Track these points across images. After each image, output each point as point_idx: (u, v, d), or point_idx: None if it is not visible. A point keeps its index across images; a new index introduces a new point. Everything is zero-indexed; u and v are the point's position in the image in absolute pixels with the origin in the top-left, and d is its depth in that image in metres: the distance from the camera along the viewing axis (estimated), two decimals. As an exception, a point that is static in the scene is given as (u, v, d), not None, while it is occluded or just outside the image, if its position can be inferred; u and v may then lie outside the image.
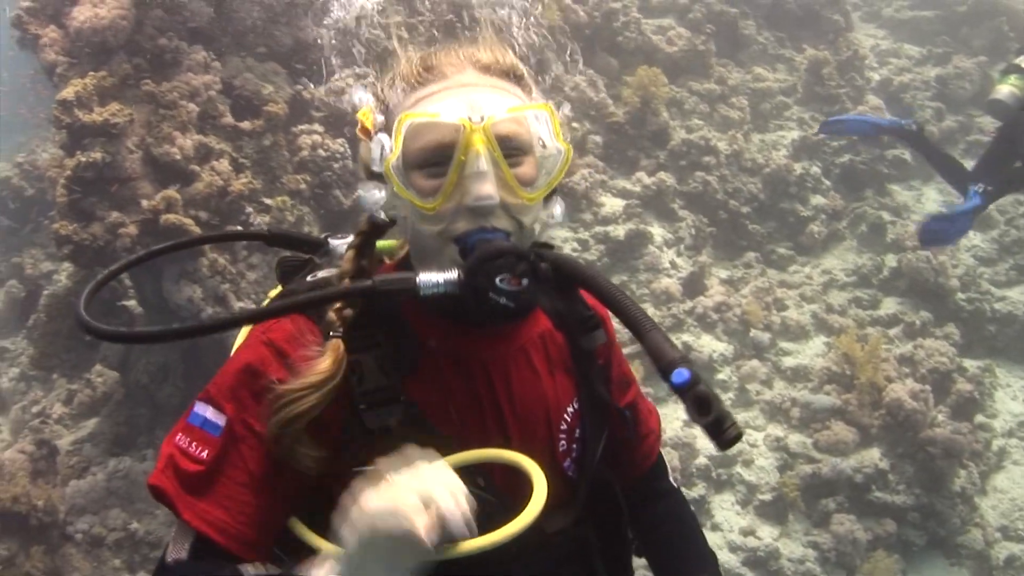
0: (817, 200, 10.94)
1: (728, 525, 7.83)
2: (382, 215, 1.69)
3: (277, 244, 1.99)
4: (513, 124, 1.58)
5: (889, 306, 9.98)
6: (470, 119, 1.52)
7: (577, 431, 1.79)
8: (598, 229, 9.90)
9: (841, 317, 9.73)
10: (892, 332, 9.60)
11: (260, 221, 7.47)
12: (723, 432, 1.40)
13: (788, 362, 9.20)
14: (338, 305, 1.58)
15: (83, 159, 6.83)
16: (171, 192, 6.98)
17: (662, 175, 10.47)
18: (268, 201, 7.63)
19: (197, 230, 6.90)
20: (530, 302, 1.60)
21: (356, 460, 1.52)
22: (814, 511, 7.91)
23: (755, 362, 9.01)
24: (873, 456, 8.14)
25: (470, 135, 1.52)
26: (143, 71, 7.53)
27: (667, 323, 9.15)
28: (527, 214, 1.59)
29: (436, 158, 1.55)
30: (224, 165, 7.42)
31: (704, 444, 8.19)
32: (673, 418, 8.35)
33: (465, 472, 1.50)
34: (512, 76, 1.70)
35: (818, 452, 8.22)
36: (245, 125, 7.80)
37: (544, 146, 1.64)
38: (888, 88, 12.38)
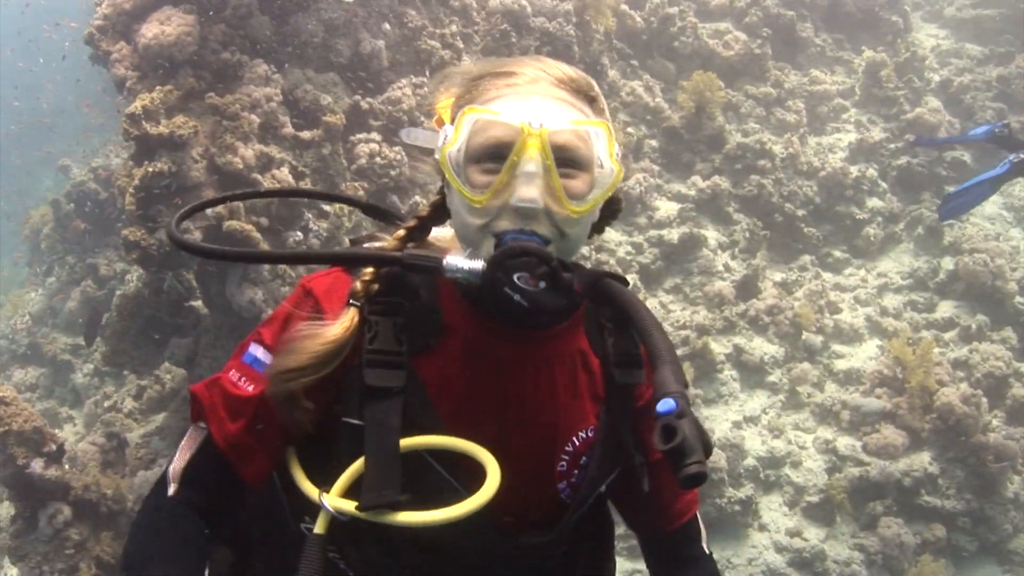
0: (874, 203, 10.97)
1: (775, 526, 8.01)
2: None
3: (373, 215, 2.08)
4: (572, 137, 1.60)
5: (945, 309, 9.98)
6: (530, 123, 1.55)
7: (583, 458, 1.76)
8: (652, 233, 10.12)
9: (896, 320, 9.78)
10: (947, 336, 9.62)
11: (319, 227, 7.88)
12: (682, 467, 1.40)
13: (840, 365, 9.31)
14: (367, 277, 1.68)
15: (150, 169, 7.28)
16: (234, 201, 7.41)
17: (717, 179, 10.63)
18: (327, 208, 8.04)
19: (258, 236, 7.30)
20: (546, 306, 1.58)
21: (346, 413, 1.64)
22: (861, 514, 8.04)
23: (806, 365, 9.14)
24: (923, 460, 8.23)
25: (527, 138, 1.55)
26: (207, 84, 7.99)
27: (719, 325, 9.35)
28: (572, 226, 1.60)
29: (493, 155, 1.58)
30: (284, 173, 7.83)
31: (752, 445, 8.39)
32: (722, 419, 8.58)
33: (429, 455, 1.60)
34: (584, 95, 1.68)
35: (867, 455, 8.33)
36: (305, 135, 8.20)
37: (602, 166, 1.64)
38: (948, 89, 12.30)
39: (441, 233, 1.85)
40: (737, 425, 8.57)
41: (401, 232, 1.78)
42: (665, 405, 1.44)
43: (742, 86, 11.97)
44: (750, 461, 8.29)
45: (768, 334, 9.45)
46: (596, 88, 1.71)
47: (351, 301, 1.65)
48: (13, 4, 21.14)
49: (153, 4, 7.96)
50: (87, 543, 6.54)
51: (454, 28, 9.73)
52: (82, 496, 6.63)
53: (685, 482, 1.40)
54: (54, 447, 6.55)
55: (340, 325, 1.61)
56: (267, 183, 7.63)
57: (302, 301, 1.71)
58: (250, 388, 1.63)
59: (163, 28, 7.59)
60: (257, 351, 1.68)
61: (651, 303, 9.61)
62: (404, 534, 1.58)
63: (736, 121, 11.58)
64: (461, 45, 9.64)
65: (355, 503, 1.56)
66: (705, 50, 12.05)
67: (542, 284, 1.51)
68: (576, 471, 1.77)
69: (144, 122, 7.18)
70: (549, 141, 1.55)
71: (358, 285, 1.66)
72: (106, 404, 9.51)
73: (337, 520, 1.59)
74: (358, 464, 1.59)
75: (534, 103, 1.59)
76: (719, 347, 9.17)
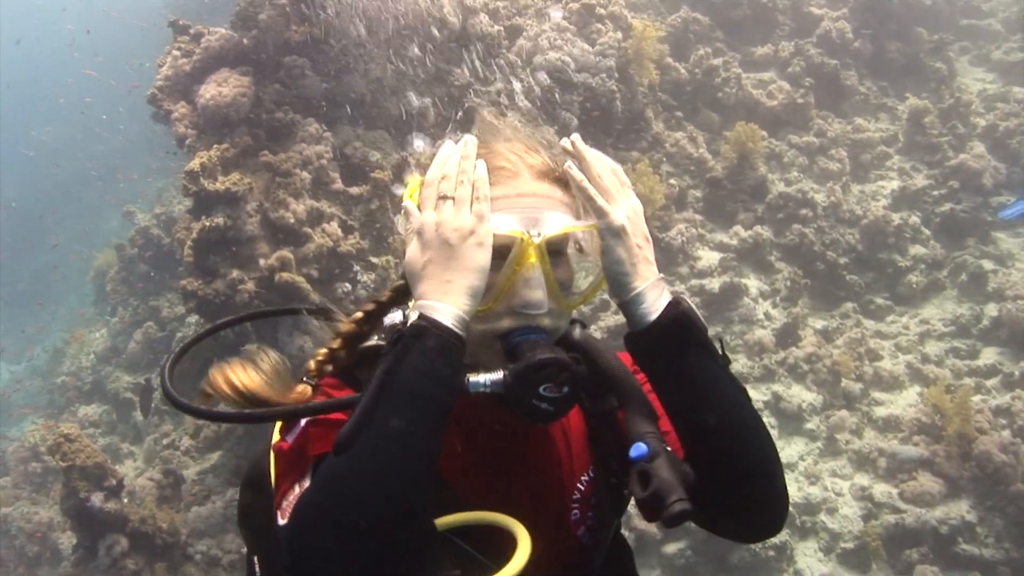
0: (916, 250, 11.03)
1: (810, 572, 8.07)
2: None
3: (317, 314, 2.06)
4: (563, 236, 1.67)
5: (988, 356, 9.96)
6: (527, 231, 1.59)
7: (592, 499, 1.79)
8: (694, 282, 10.31)
9: (937, 367, 9.80)
10: (989, 383, 9.60)
11: (367, 279, 8.24)
12: (665, 509, 1.46)
13: (880, 412, 9.36)
14: (321, 357, 1.77)
15: (207, 223, 7.73)
16: (285, 252, 7.83)
17: (759, 228, 10.80)
18: (374, 260, 8.41)
19: (308, 287, 7.69)
20: (570, 407, 1.58)
21: None
22: (897, 561, 8.07)
23: (844, 412, 9.22)
24: (960, 508, 8.24)
25: (526, 248, 1.58)
26: (262, 142, 8.45)
27: (757, 373, 9.48)
28: (565, 317, 1.68)
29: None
30: (334, 227, 8.23)
31: (788, 491, 8.46)
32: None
33: (457, 532, 1.58)
34: (561, 181, 1.72)
35: (903, 502, 8.36)
36: (354, 190, 8.61)
37: (581, 250, 1.74)
38: (994, 134, 12.33)
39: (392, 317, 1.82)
40: (774, 471, 8.66)
41: (359, 315, 1.82)
42: (637, 450, 1.53)
43: (785, 135, 12.16)
44: (786, 507, 8.37)
45: (807, 382, 9.55)
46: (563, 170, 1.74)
47: (304, 379, 1.72)
48: (88, 50, 22.14)
49: (211, 66, 8.48)
50: (142, 573, 6.90)
51: (499, 85, 10.10)
52: (139, 528, 7.02)
53: (670, 522, 1.50)
54: (114, 482, 6.96)
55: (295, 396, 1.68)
56: (317, 236, 8.03)
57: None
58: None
59: (220, 89, 8.07)
60: (288, 437, 1.66)
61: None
62: None
63: (779, 170, 11.76)
64: (506, 102, 10.00)
65: None
66: (749, 100, 12.28)
67: (566, 389, 1.53)
68: (590, 513, 1.80)
69: (202, 178, 7.63)
70: (546, 248, 1.60)
71: (311, 364, 1.74)
72: (164, 442, 9.94)
73: None
74: None
75: (527, 207, 1.64)
76: (757, 394, 9.29)
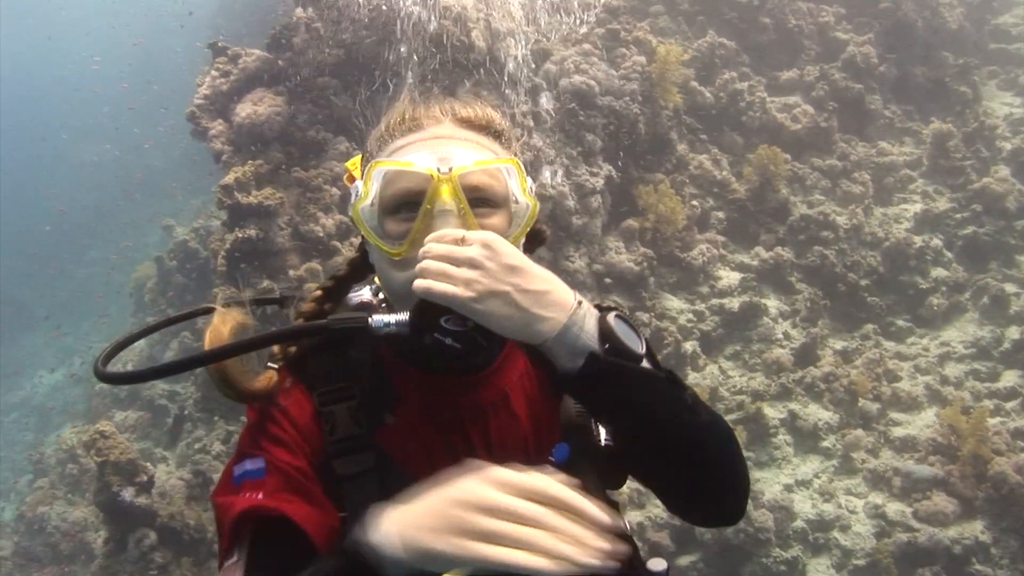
0: (938, 272, 11.11)
1: (822, 588, 8.20)
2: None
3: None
4: (484, 176, 1.59)
5: (1009, 379, 9.99)
6: (438, 169, 1.54)
7: (572, 469, 1.60)
8: (714, 301, 10.49)
9: (956, 389, 9.86)
10: (1009, 405, 9.64)
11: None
12: None
13: (897, 432, 9.44)
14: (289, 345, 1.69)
15: (240, 235, 8.06)
16: (314, 264, 8.13)
17: (780, 249, 10.96)
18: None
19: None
20: (478, 343, 1.54)
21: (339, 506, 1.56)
22: (909, 578, 8.16)
23: (860, 431, 9.32)
24: (975, 528, 8.31)
25: (438, 184, 1.53)
26: (294, 159, 8.80)
27: (774, 391, 9.63)
28: None
29: (406, 205, 1.57)
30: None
31: (802, 507, 8.61)
32: (773, 482, 8.82)
33: None
34: (490, 131, 1.70)
35: (917, 521, 8.45)
36: (382, 207, 8.90)
37: (516, 201, 1.64)
38: (1019, 158, 12.37)
39: (361, 294, 1.83)
40: (788, 488, 8.80)
41: (318, 293, 1.78)
42: (560, 452, 1.55)
43: (809, 158, 12.31)
44: (799, 523, 8.50)
45: (823, 400, 9.67)
46: (501, 122, 1.74)
47: (268, 364, 1.66)
48: (127, 67, 22.77)
49: (247, 86, 8.85)
50: (169, 566, 7.20)
51: (525, 108, 10.38)
52: (167, 524, 7.32)
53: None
54: (145, 478, 7.29)
55: (257, 383, 1.61)
56: (345, 249, 8.33)
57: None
58: (259, 496, 1.51)
59: (256, 108, 8.43)
60: (241, 467, 1.57)
61: (711, 369, 9.96)
62: None
63: (802, 193, 11.91)
64: (531, 123, 10.27)
65: None
66: (773, 123, 12.46)
67: (470, 322, 1.48)
68: None
69: (236, 192, 7.97)
70: (460, 183, 1.55)
71: (276, 348, 1.67)
72: (196, 446, 10.24)
73: None
74: None
75: (440, 147, 1.60)
76: (774, 412, 9.44)
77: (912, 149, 12.85)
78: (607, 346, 1.50)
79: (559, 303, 1.48)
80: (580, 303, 1.52)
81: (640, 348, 1.55)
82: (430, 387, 1.68)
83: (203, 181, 15.67)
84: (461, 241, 1.47)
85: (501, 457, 1.57)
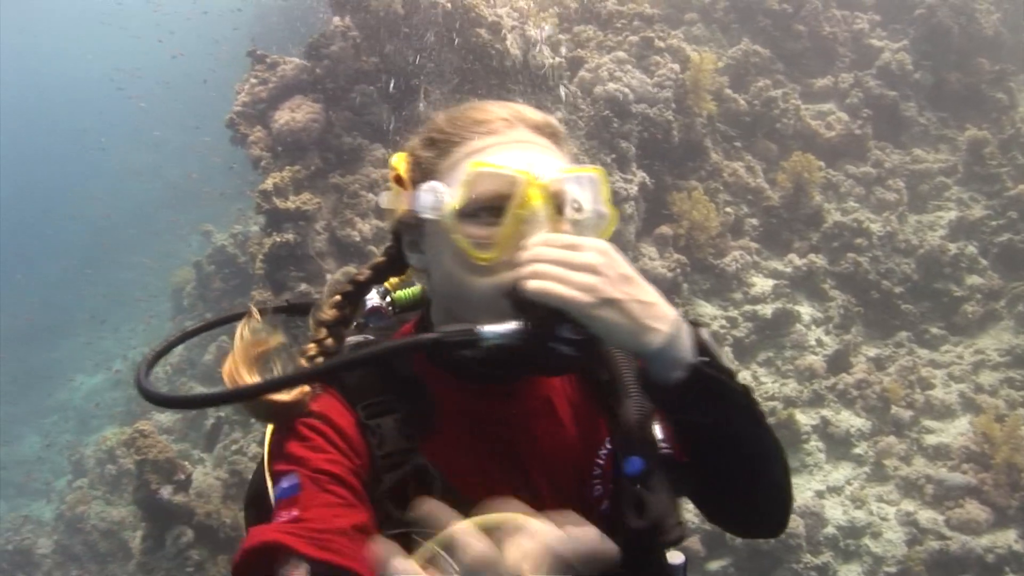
0: (973, 280, 11.04)
1: (853, 594, 8.18)
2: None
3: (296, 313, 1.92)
4: (563, 184, 1.56)
5: (1044, 387, 9.96)
6: (532, 173, 1.50)
7: (612, 471, 1.69)
8: (747, 308, 10.50)
9: (991, 397, 9.80)
10: (1044, 414, 9.60)
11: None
12: (661, 535, 1.45)
13: (930, 440, 9.40)
14: (322, 335, 1.62)
15: (278, 239, 8.22)
16: (350, 268, 8.26)
17: (813, 256, 10.95)
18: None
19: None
20: (593, 351, 1.50)
21: (385, 528, 1.47)
22: (941, 587, 8.13)
23: (892, 438, 9.29)
24: (1008, 537, 8.26)
25: (530, 188, 1.49)
26: (331, 165, 8.95)
27: (806, 397, 9.62)
28: None
29: (487, 210, 1.51)
30: (397, 246, 8.70)
31: (833, 514, 8.60)
32: (804, 488, 8.82)
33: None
34: (556, 137, 1.65)
35: (949, 529, 8.41)
36: (416, 212, 9.04)
37: (579, 209, 1.61)
38: (1057, 165, 12.31)
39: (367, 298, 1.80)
40: (819, 494, 8.80)
41: (338, 298, 1.72)
42: (631, 466, 1.49)
43: (843, 165, 12.30)
44: (830, 530, 8.49)
45: (856, 407, 9.65)
46: (561, 129, 1.70)
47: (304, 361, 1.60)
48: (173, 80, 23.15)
49: (286, 93, 9.01)
50: (205, 564, 7.34)
51: (559, 115, 10.47)
52: (204, 522, 7.47)
53: (669, 547, 1.57)
54: (183, 476, 7.45)
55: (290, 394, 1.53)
56: (380, 254, 8.46)
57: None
58: (295, 512, 1.42)
59: (293, 115, 8.59)
60: (280, 486, 1.47)
61: (743, 375, 9.96)
62: None
63: (836, 200, 11.90)
64: (566, 131, 10.35)
65: None
66: (807, 131, 12.46)
67: (589, 330, 1.43)
68: (610, 486, 1.70)
69: (274, 198, 8.12)
70: (551, 190, 1.52)
71: (303, 361, 1.60)
72: (233, 448, 10.42)
73: None
74: None
75: (523, 152, 1.56)
76: (806, 418, 9.44)
77: (947, 156, 12.79)
78: (706, 360, 1.48)
79: (665, 316, 1.45)
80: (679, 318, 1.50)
81: (732, 363, 1.60)
82: (471, 395, 1.63)
83: (242, 187, 15.94)
84: (573, 247, 1.44)
85: (550, 465, 1.64)
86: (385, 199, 1.65)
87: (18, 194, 36.45)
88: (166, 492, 7.23)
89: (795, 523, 8.24)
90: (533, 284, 1.40)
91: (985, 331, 10.78)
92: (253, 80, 9.76)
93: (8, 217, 34.77)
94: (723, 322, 10.32)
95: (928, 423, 9.63)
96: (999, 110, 13.10)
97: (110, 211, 28.28)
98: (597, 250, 1.43)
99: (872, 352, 10.35)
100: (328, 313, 1.68)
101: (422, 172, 1.59)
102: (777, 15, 13.79)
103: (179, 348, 12.55)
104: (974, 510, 8.44)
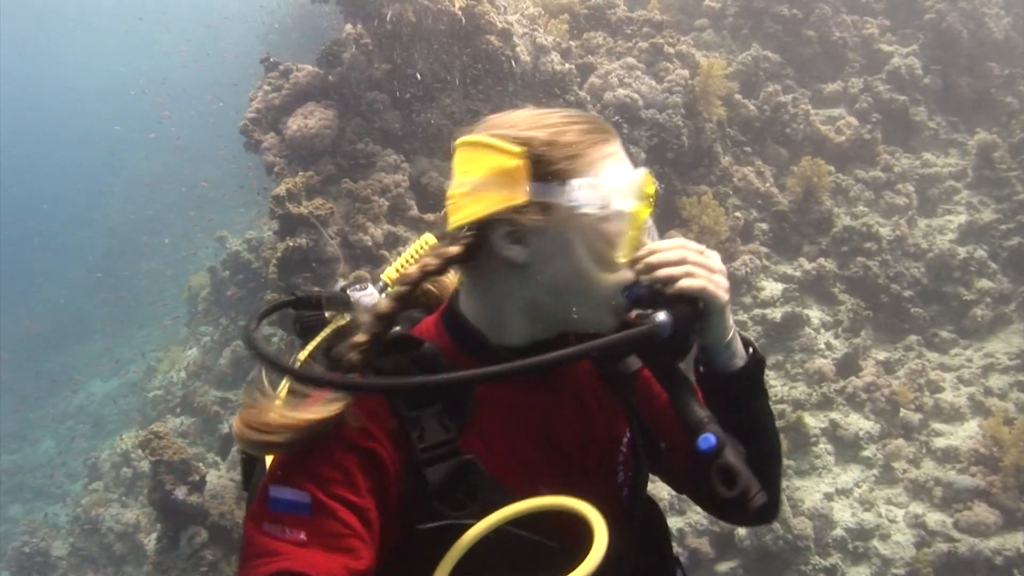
0: (983, 283, 11.06)
1: (861, 596, 8.22)
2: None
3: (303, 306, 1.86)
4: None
5: (1055, 391, 9.97)
6: (654, 185, 1.63)
7: (632, 459, 1.79)
8: (756, 311, 10.55)
9: (1000, 400, 9.83)
10: (1054, 417, 9.61)
11: (439, 300, 8.77)
12: (748, 502, 1.50)
13: (939, 443, 9.42)
14: (359, 354, 1.53)
15: (291, 243, 8.33)
16: (362, 272, 8.36)
17: (822, 260, 11.00)
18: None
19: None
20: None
21: (420, 520, 1.49)
22: (949, 589, 8.16)
23: (901, 441, 9.33)
24: (1016, 540, 8.27)
25: (654, 197, 1.62)
26: (343, 171, 9.06)
27: (815, 400, 9.67)
28: None
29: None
30: (410, 252, 8.81)
31: (842, 516, 8.63)
32: (813, 490, 8.86)
33: (523, 521, 1.46)
34: None
35: (957, 532, 8.44)
36: (429, 217, 9.14)
37: None
38: (1066, 169, 12.32)
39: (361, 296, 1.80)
40: (828, 497, 8.83)
41: (403, 288, 1.63)
42: (706, 442, 1.53)
43: (852, 170, 12.34)
44: (838, 532, 8.53)
45: (865, 410, 9.68)
46: None
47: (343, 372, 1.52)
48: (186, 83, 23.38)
49: (299, 100, 9.13)
50: (219, 564, 7.43)
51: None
52: (218, 522, 7.57)
53: (758, 518, 1.71)
54: (197, 477, 7.55)
55: (332, 406, 1.47)
56: (392, 258, 8.58)
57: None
58: (301, 536, 1.41)
59: (306, 121, 8.71)
60: (284, 493, 1.45)
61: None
62: None
63: (845, 204, 11.95)
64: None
65: None
66: (817, 136, 12.52)
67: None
68: (630, 473, 1.79)
69: (287, 203, 8.23)
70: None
71: (354, 356, 1.52)
72: (247, 450, 10.53)
73: None
74: (448, 565, 1.44)
75: (622, 158, 1.63)
76: (815, 421, 9.48)
77: (957, 160, 12.82)
78: (751, 350, 1.69)
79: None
80: None
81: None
82: (507, 386, 1.64)
83: (256, 193, 16.09)
84: (703, 253, 1.60)
85: (581, 452, 1.71)
86: (486, 183, 1.57)
87: (35, 201, 36.78)
88: (181, 493, 7.34)
89: (803, 525, 8.29)
90: (689, 282, 1.54)
91: (995, 334, 10.79)
92: (267, 87, 9.89)
93: (26, 224, 35.10)
94: (733, 326, 10.36)
95: (937, 426, 9.65)
96: (1009, 114, 13.12)
97: (126, 218, 28.51)
98: (718, 257, 1.61)
99: (881, 356, 10.39)
100: (388, 305, 1.60)
101: (545, 167, 1.55)
102: (787, 21, 13.86)
103: (195, 354, 12.68)
104: (982, 512, 8.47)
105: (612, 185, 1.55)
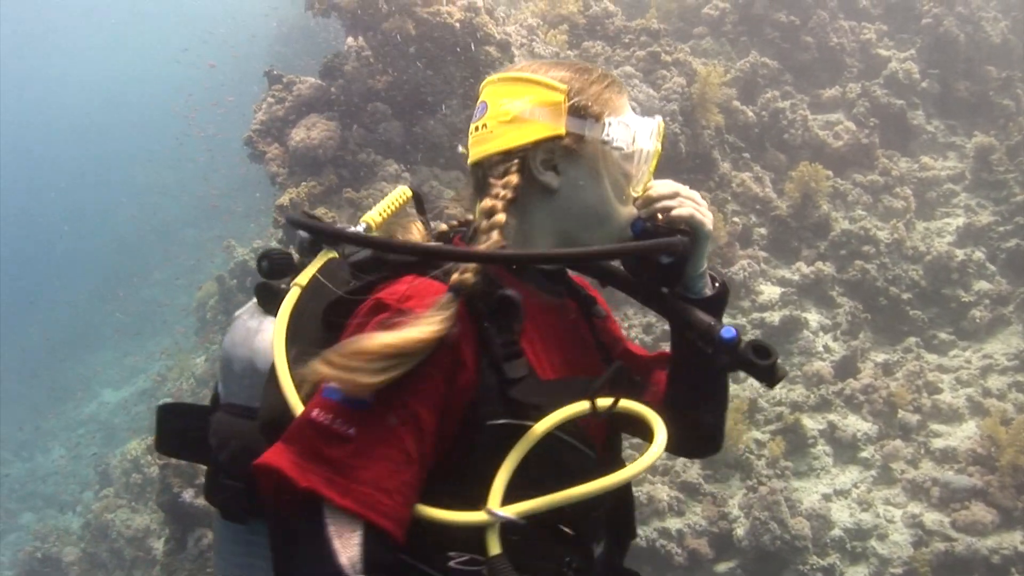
0: (981, 285, 11.15)
1: (859, 595, 8.33)
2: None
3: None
4: None
5: (1053, 391, 10.05)
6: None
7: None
8: (755, 315, 10.66)
9: (999, 401, 9.91)
10: (1052, 417, 9.69)
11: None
12: (779, 370, 1.74)
13: (938, 444, 9.51)
14: (470, 272, 1.56)
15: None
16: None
17: (820, 264, 11.11)
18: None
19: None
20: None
21: (489, 416, 1.54)
22: (946, 588, 8.25)
23: (898, 442, 9.43)
24: (1014, 539, 8.36)
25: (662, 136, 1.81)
26: (346, 180, 9.23)
27: (813, 402, 9.78)
28: None
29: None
30: (409, 257, 8.98)
31: (840, 516, 8.74)
32: (811, 491, 8.98)
33: (567, 427, 1.53)
34: None
35: (955, 531, 8.53)
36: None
37: None
38: (1066, 170, 12.40)
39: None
40: (826, 497, 8.94)
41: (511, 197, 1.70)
42: (729, 332, 1.74)
43: (850, 174, 12.45)
44: (836, 532, 8.64)
45: (863, 412, 9.79)
46: None
47: (454, 296, 1.53)
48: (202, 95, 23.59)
49: (302, 111, 9.30)
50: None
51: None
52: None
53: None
54: (204, 480, 7.72)
55: (443, 316, 1.48)
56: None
57: (375, 316, 1.55)
58: (350, 431, 1.41)
59: (309, 133, 8.88)
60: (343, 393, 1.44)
61: (751, 381, 10.07)
62: (569, 515, 1.57)
63: (843, 208, 12.05)
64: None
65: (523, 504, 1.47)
66: (815, 141, 12.63)
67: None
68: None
69: (291, 212, 8.40)
70: None
71: (468, 276, 1.55)
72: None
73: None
74: (512, 462, 1.50)
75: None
76: (813, 423, 9.59)
77: (955, 163, 12.92)
78: (719, 283, 1.89)
79: None
80: None
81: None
82: (538, 304, 1.75)
83: (261, 203, 16.27)
84: (694, 192, 1.85)
85: (596, 366, 1.86)
86: (531, 113, 1.71)
87: (44, 213, 37.06)
88: (188, 495, 7.51)
89: (801, 525, 8.40)
90: (680, 211, 1.77)
91: (994, 336, 10.88)
92: (270, 99, 10.08)
93: (37, 236, 35.38)
94: (732, 330, 10.46)
95: (936, 427, 9.75)
96: (1006, 116, 13.21)
97: (136, 229, 28.72)
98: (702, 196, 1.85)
99: (880, 358, 10.48)
100: (502, 218, 1.65)
101: (582, 104, 1.72)
102: (785, 27, 13.98)
103: (205, 363, 12.79)
104: (980, 512, 8.56)
105: (637, 126, 1.75)
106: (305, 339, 1.65)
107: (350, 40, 10.02)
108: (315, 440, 1.40)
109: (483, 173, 1.76)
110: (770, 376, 1.74)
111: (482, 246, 1.58)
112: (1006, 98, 13.44)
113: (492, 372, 1.55)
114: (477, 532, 1.46)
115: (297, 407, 1.52)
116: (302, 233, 1.83)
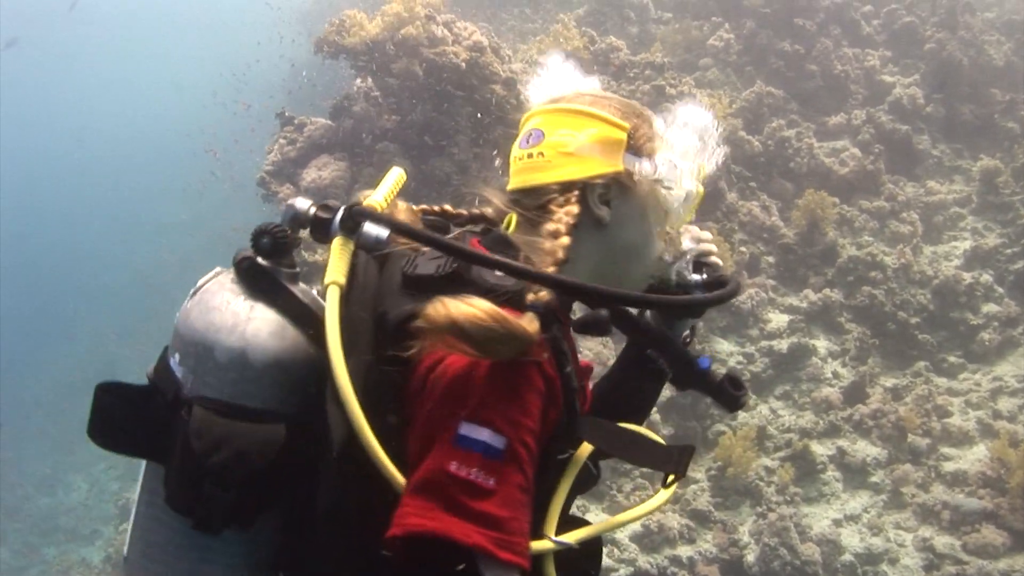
0: (989, 308, 11.20)
1: (871, 620, 8.37)
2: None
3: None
4: None
5: (1063, 413, 10.08)
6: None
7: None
8: (763, 343, 10.76)
9: (1009, 423, 9.94)
10: (1063, 439, 9.71)
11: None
12: (746, 398, 1.95)
13: (948, 467, 9.56)
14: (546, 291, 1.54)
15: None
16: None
17: (828, 291, 11.20)
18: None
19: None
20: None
21: (561, 450, 1.62)
22: (958, 612, 8.29)
23: (908, 466, 9.48)
24: (1025, 561, 8.43)
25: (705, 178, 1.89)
26: (356, 220, 9.42)
27: (821, 428, 9.86)
28: None
29: None
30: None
31: (850, 541, 8.80)
32: (821, 517, 9.05)
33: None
34: None
35: (966, 554, 8.58)
36: (439, 261, 9.49)
37: None
38: (1069, 194, 12.47)
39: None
40: (836, 523, 9.01)
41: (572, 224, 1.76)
42: (705, 362, 1.92)
43: (857, 200, 12.55)
44: (847, 557, 8.70)
45: (872, 437, 9.85)
46: None
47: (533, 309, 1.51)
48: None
49: (312, 153, 9.54)
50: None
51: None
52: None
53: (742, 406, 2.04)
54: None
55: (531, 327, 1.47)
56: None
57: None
58: (491, 482, 1.40)
59: (320, 173, 9.12)
60: (481, 434, 1.41)
61: (760, 408, 10.21)
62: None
63: (850, 235, 12.14)
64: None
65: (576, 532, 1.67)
66: (821, 168, 12.74)
67: None
68: None
69: (303, 252, 8.61)
70: None
71: (544, 294, 1.53)
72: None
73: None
74: (564, 489, 1.65)
75: None
76: (823, 448, 9.67)
77: (961, 187, 13.01)
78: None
79: None
80: None
81: None
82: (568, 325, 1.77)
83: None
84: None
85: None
86: (592, 148, 1.76)
87: (80, 245, 37.46)
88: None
89: (811, 551, 8.47)
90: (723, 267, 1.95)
91: (1003, 358, 10.92)
92: (282, 140, 10.33)
93: (58, 270, 35.77)
94: (740, 358, 10.59)
95: (946, 450, 9.79)
96: (1011, 139, 13.29)
97: (154, 264, 29.03)
98: None
99: (889, 383, 10.54)
100: (567, 241, 1.67)
101: (638, 142, 1.82)
102: (789, 56, 14.15)
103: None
104: (990, 534, 8.61)
105: (684, 166, 1.82)
106: (357, 347, 1.59)
107: (358, 81, 10.27)
108: (460, 495, 1.38)
109: (536, 200, 1.77)
110: (735, 405, 1.93)
111: (549, 268, 1.57)
112: (1011, 120, 13.53)
113: (567, 408, 1.56)
114: (534, 559, 1.53)
115: (366, 433, 1.47)
116: (300, 211, 1.79)
